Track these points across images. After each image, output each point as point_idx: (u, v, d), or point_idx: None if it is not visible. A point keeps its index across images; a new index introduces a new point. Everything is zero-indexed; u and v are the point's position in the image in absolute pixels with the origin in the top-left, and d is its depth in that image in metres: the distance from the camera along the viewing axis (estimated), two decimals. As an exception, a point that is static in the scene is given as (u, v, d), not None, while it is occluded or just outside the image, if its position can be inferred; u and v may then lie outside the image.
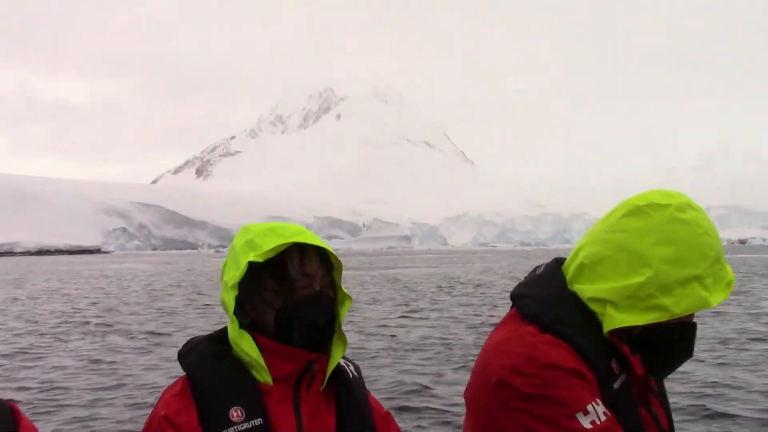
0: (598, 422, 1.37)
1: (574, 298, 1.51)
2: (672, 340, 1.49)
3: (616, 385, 1.45)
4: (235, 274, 1.59)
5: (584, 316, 1.48)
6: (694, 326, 1.51)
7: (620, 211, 1.51)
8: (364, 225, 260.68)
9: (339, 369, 1.72)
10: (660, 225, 1.44)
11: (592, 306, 1.49)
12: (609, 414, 1.40)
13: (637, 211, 1.47)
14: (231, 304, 1.59)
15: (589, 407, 1.38)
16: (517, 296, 1.58)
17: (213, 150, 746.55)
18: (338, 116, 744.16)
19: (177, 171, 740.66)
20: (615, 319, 1.45)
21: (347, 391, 1.71)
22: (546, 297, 1.52)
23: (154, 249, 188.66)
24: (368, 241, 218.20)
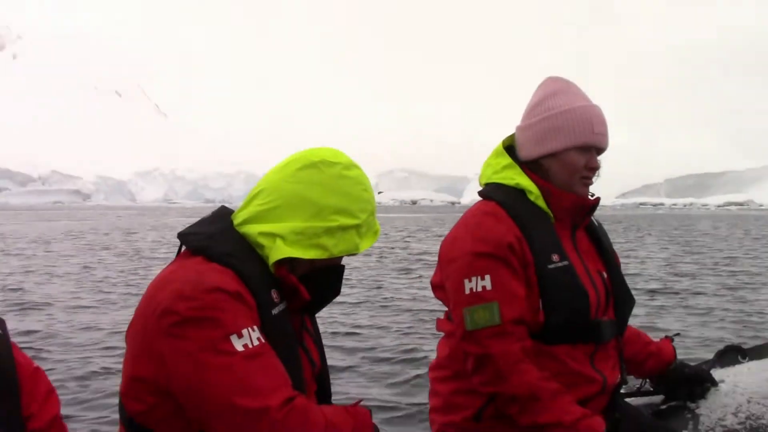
0: (251, 346, 1.46)
1: (241, 237, 1.64)
2: (329, 279, 1.72)
3: (275, 311, 1.57)
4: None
5: (249, 251, 1.61)
6: (343, 268, 1.74)
7: (296, 165, 1.68)
8: (39, 177, 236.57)
9: None
10: (331, 179, 1.65)
11: (262, 240, 1.61)
12: (263, 341, 1.50)
13: (311, 165, 1.66)
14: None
15: (245, 331, 1.46)
16: (185, 234, 1.66)
17: None
18: (14, 56, 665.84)
19: None
20: (282, 251, 1.59)
21: None
22: (214, 233, 1.63)
23: None
24: (33, 195, 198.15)
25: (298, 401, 1.51)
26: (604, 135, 2.02)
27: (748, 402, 2.29)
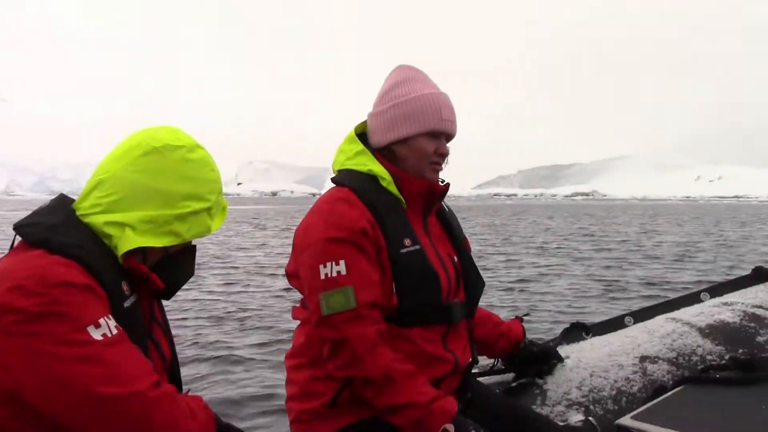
0: (110, 335, 1.41)
1: (86, 227, 1.55)
2: (182, 262, 1.71)
3: (126, 305, 1.53)
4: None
5: (96, 241, 1.54)
6: (194, 248, 1.75)
7: (137, 151, 1.60)
8: None
9: None
10: (176, 165, 1.61)
11: (109, 230, 1.54)
12: (120, 329, 1.45)
13: (153, 151, 1.60)
14: None
15: (101, 321, 1.41)
16: (22, 225, 1.54)
17: None
18: None
19: None
20: (132, 241, 1.54)
21: None
22: (56, 224, 1.52)
23: None
24: None
25: (165, 386, 1.48)
26: (452, 122, 2.07)
27: (591, 376, 2.46)
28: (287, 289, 10.69)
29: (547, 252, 18.87)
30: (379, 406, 1.88)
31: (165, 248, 1.63)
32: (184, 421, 1.48)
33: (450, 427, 1.82)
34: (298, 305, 2.15)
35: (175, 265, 1.67)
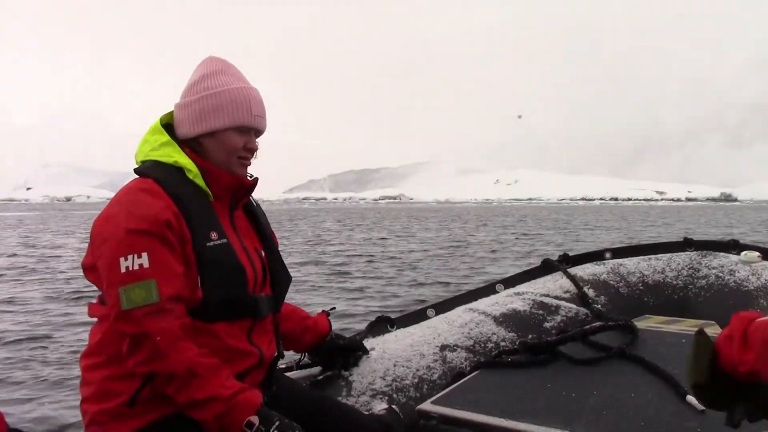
0: None
1: None
2: None
3: None
4: None
5: None
6: None
7: None
8: None
9: None
10: None
11: None
12: None
13: None
14: None
15: None
16: None
17: None
18: None
19: None
20: None
21: None
22: None
23: None
24: None
25: None
26: (262, 117, 2.07)
27: (394, 366, 2.57)
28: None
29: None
30: (182, 401, 1.83)
31: None
32: None
33: (254, 419, 1.82)
34: (95, 302, 2.04)
35: None
